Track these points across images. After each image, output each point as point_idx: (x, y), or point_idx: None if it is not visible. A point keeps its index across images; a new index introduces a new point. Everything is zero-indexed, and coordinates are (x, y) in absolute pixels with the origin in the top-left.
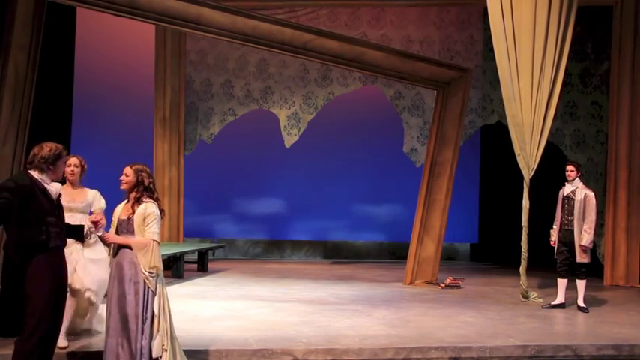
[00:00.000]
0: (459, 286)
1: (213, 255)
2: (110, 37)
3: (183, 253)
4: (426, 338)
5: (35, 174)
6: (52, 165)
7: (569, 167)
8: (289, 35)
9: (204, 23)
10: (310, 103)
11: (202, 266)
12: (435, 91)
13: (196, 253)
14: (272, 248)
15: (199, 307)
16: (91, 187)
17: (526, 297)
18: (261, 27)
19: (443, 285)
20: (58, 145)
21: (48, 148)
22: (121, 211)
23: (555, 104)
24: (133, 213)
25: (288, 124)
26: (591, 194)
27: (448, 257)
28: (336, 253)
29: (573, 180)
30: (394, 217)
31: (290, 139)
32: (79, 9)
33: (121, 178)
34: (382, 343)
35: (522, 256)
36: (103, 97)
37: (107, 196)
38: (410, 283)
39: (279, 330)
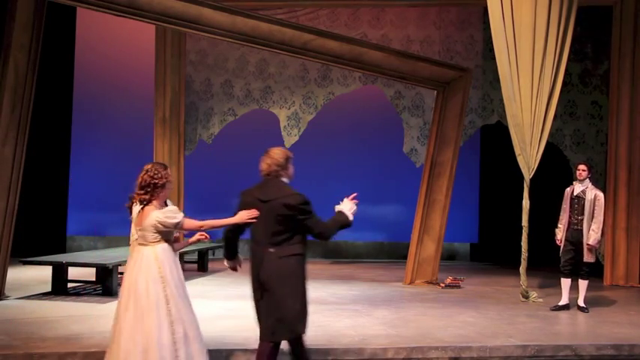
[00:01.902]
0: (459, 286)
1: (213, 255)
2: (110, 37)
3: (183, 253)
4: (426, 338)
5: (284, 181)
6: (286, 169)
7: (582, 166)
8: (289, 35)
9: (204, 23)
10: (310, 103)
11: (202, 266)
12: (435, 91)
13: (196, 253)
14: None
15: (200, 307)
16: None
17: (526, 297)
18: (261, 27)
19: (443, 285)
20: (282, 149)
21: (277, 154)
22: None
23: (555, 104)
24: None
25: (288, 124)
26: (601, 194)
27: (448, 257)
28: (336, 254)
29: (584, 179)
30: (394, 217)
31: (290, 139)
32: (79, 9)
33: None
34: (382, 343)
35: (522, 256)
36: (103, 97)
37: (108, 195)
38: (410, 283)
39: None
